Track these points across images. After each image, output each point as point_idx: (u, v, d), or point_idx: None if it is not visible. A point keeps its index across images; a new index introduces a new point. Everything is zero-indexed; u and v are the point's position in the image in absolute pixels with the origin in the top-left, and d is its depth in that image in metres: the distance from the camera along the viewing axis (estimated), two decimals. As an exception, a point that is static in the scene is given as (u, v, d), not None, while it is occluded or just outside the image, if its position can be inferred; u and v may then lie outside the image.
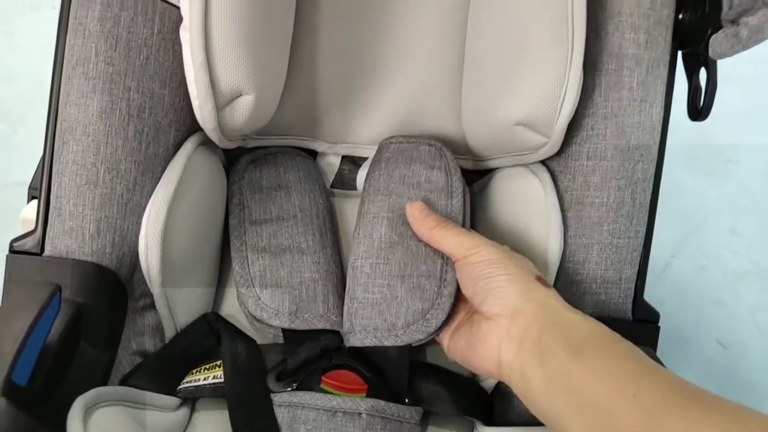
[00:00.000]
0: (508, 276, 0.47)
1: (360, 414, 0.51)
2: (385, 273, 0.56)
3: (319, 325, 0.55)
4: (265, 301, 0.56)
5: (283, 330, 0.56)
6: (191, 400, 0.57)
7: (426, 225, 0.54)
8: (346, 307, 0.56)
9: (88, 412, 0.43)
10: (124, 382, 0.53)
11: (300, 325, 0.55)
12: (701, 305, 0.98)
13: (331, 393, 0.53)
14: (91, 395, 0.44)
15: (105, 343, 0.51)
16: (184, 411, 0.55)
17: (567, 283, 0.56)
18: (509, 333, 0.45)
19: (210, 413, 0.56)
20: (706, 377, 0.93)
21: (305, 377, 0.54)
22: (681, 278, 0.98)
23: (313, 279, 0.57)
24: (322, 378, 0.54)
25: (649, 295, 0.58)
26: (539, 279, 0.48)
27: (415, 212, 0.55)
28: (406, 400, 0.55)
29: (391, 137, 0.67)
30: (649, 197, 0.55)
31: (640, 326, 0.56)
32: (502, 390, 0.61)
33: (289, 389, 0.53)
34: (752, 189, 1.08)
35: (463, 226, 0.58)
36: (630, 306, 0.56)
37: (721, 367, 0.94)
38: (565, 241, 0.56)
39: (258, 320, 0.56)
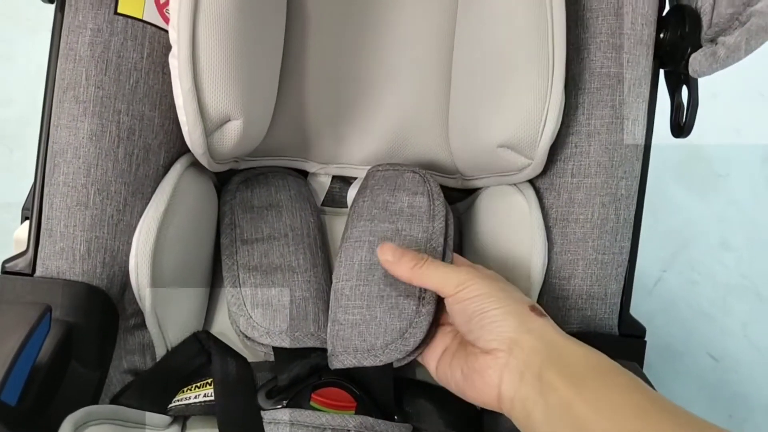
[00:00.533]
0: (503, 309, 0.47)
1: (349, 430, 0.52)
2: (364, 294, 0.56)
3: (309, 343, 0.56)
4: (257, 320, 0.56)
5: (274, 348, 0.56)
6: (182, 418, 0.57)
7: (404, 265, 0.52)
8: (329, 330, 0.56)
9: (77, 430, 0.44)
10: (114, 400, 0.53)
11: (291, 343, 0.55)
12: (692, 319, 0.98)
13: (321, 410, 0.53)
14: (80, 414, 0.45)
15: (96, 362, 0.52)
16: (174, 429, 0.56)
17: (553, 299, 0.56)
18: (509, 367, 0.45)
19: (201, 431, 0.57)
20: (699, 390, 0.93)
21: (295, 394, 0.55)
22: (672, 293, 0.98)
23: (304, 298, 0.58)
24: (312, 395, 0.54)
25: (640, 311, 0.58)
26: (533, 308, 0.47)
27: (387, 255, 0.53)
28: (396, 417, 0.55)
29: (378, 165, 0.67)
30: (633, 213, 0.56)
31: (626, 341, 0.56)
32: (491, 405, 0.62)
33: (279, 406, 0.54)
34: (741, 203, 1.09)
35: (444, 248, 0.57)
36: (616, 321, 0.56)
37: (713, 381, 0.95)
38: (550, 258, 0.57)
39: (249, 339, 0.57)
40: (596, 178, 0.55)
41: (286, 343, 0.55)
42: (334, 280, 0.58)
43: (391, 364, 0.55)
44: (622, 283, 0.56)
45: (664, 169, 1.09)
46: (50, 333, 0.47)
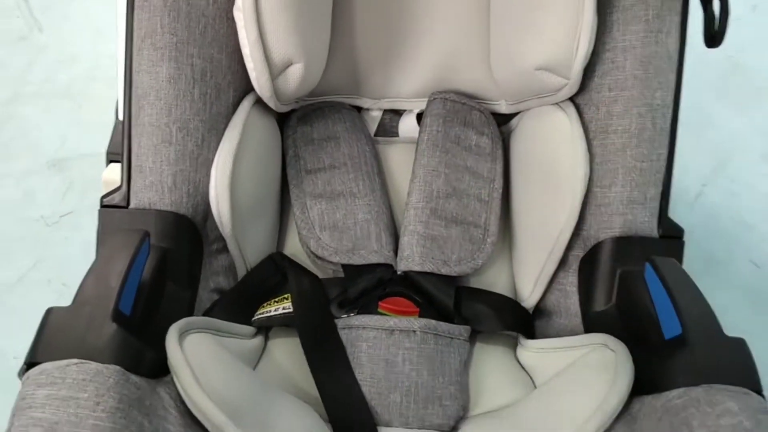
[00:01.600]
0: None
1: (414, 331, 0.58)
2: (442, 216, 0.64)
3: (374, 259, 0.62)
4: (325, 242, 0.63)
5: (343, 265, 0.63)
6: (265, 329, 0.64)
7: None
8: (406, 239, 0.63)
9: (181, 336, 0.50)
10: (206, 314, 0.60)
11: (357, 260, 0.62)
12: (734, 229, 1.01)
13: (388, 315, 0.60)
14: (182, 323, 0.51)
15: (187, 282, 0.58)
16: (259, 339, 0.62)
17: (596, 206, 0.61)
18: None
19: (282, 340, 0.64)
20: (743, 297, 0.97)
21: (364, 304, 0.61)
22: (713, 206, 1.01)
23: (366, 220, 0.64)
24: (379, 303, 0.61)
25: (682, 224, 0.61)
26: None
27: None
28: (455, 321, 0.61)
29: (444, 93, 0.73)
30: (669, 122, 0.59)
31: (666, 242, 0.60)
32: (542, 308, 0.67)
33: (350, 314, 0.60)
34: (782, 115, 1.10)
35: (501, 186, 0.68)
36: (656, 224, 0.60)
37: (756, 286, 0.98)
38: (592, 168, 0.61)
39: (320, 258, 0.63)
40: (632, 90, 0.58)
41: (353, 261, 0.62)
42: (412, 200, 0.65)
43: (455, 278, 0.63)
44: (661, 188, 0.60)
45: (703, 86, 1.09)
46: (149, 256, 0.53)
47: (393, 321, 0.58)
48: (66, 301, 0.47)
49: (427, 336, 0.58)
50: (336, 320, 0.60)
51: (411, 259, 0.62)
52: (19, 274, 0.98)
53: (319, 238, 0.63)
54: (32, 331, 0.46)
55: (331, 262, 0.63)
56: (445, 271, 0.62)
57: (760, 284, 0.98)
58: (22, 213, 1.04)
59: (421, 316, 0.60)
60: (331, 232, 0.63)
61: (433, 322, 0.59)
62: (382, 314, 0.60)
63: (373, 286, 0.62)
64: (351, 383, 0.57)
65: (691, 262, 0.59)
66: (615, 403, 0.49)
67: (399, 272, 0.63)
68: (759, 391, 0.47)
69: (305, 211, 0.65)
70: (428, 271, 0.62)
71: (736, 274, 0.98)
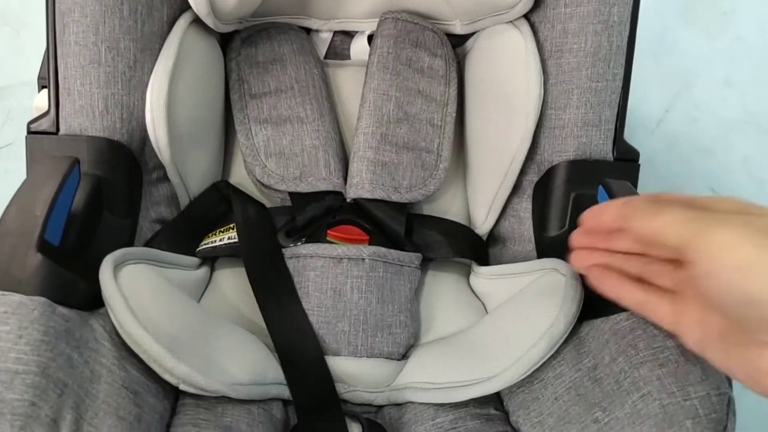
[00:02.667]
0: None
1: (363, 259, 0.56)
2: (393, 142, 0.62)
3: (322, 187, 0.60)
4: (271, 169, 0.60)
5: (290, 194, 0.60)
6: (210, 260, 0.62)
7: (643, 212, 0.38)
8: (355, 165, 0.61)
9: (117, 267, 0.48)
10: (147, 245, 0.58)
11: (305, 188, 0.60)
12: (694, 156, 1.00)
13: (337, 243, 0.58)
14: (118, 253, 0.49)
15: (125, 212, 0.56)
16: (204, 270, 0.61)
17: (550, 129, 0.59)
18: None
19: (229, 271, 0.62)
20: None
21: (312, 232, 0.59)
22: (674, 132, 1.00)
23: (314, 146, 0.61)
24: (328, 232, 0.59)
25: (642, 150, 0.60)
26: None
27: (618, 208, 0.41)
28: (406, 248, 0.60)
29: (395, 12, 0.69)
30: (626, 40, 0.57)
31: (621, 165, 0.59)
32: (496, 235, 0.66)
33: (298, 243, 0.58)
34: (747, 40, 1.08)
35: (455, 111, 0.66)
36: (611, 147, 0.59)
37: (713, 213, 0.98)
38: (546, 89, 0.59)
39: (266, 186, 0.61)
40: (588, 6, 0.56)
41: (300, 188, 0.60)
42: (361, 125, 0.63)
43: (405, 205, 0.61)
44: (616, 109, 0.58)
45: (667, 11, 1.07)
46: (80, 184, 0.51)
47: (341, 249, 0.57)
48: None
49: (376, 264, 0.56)
50: (283, 249, 0.58)
51: (361, 186, 0.60)
52: (-41, 209, 0.93)
53: (264, 165, 0.61)
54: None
55: (278, 191, 0.61)
56: (395, 198, 0.60)
57: (718, 210, 0.97)
58: (-42, 146, 0.99)
59: (371, 244, 0.59)
60: (277, 158, 0.61)
61: (383, 249, 0.57)
62: (331, 242, 0.58)
63: (322, 214, 0.60)
64: (297, 312, 0.55)
65: (651, 187, 0.58)
66: (563, 326, 0.48)
67: (348, 200, 0.61)
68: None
69: (250, 137, 0.62)
70: (378, 198, 0.60)
71: (695, 201, 0.97)
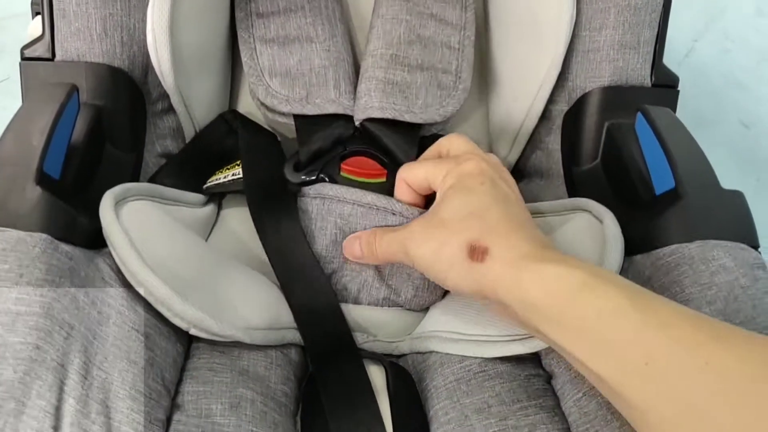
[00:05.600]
0: (450, 279, 0.42)
1: (395, 214, 0.51)
2: (404, 63, 0.56)
3: (331, 109, 0.55)
4: (275, 89, 0.55)
5: (295, 118, 0.56)
6: (218, 198, 0.59)
7: (370, 253, 0.49)
8: (363, 85, 0.56)
9: (119, 204, 0.45)
10: (151, 180, 0.54)
11: (311, 110, 0.55)
12: (724, 88, 0.95)
13: (354, 180, 0.54)
14: (120, 189, 0.46)
15: (129, 145, 0.52)
16: (211, 207, 0.57)
17: (583, 52, 0.54)
18: (500, 314, 0.43)
19: (237, 209, 0.59)
20: (728, 157, 0.93)
21: (324, 165, 0.55)
22: (703, 63, 0.95)
23: (324, 66, 0.56)
24: (342, 165, 0.54)
25: None
26: (472, 253, 0.40)
27: (349, 254, 0.51)
28: None
29: None
30: (668, -49, 0.53)
31: (659, 91, 0.55)
32: (522, 169, 0.63)
33: (311, 177, 0.54)
34: (782, -34, 1.02)
35: (473, 35, 0.60)
36: (649, 71, 0.54)
37: (743, 147, 0.94)
38: (580, 9, 0.54)
39: (269, 109, 0.56)
40: None
41: (306, 110, 0.55)
42: (370, 48, 0.58)
43: (419, 130, 0.56)
44: (656, 30, 0.54)
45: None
46: (80, 114, 0.47)
47: (371, 197, 0.51)
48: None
49: (406, 219, 0.51)
50: (305, 188, 0.53)
51: (369, 105, 0.54)
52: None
53: (268, 85, 0.55)
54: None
55: (282, 113, 0.56)
56: (408, 117, 0.54)
57: (749, 145, 0.94)
58: (-49, 82, 0.95)
59: (389, 178, 0.54)
60: (282, 78, 0.56)
61: (414, 209, 0.52)
62: (346, 178, 0.54)
63: (330, 144, 0.55)
64: (305, 254, 0.51)
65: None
66: None
67: (357, 123, 0.56)
68: (756, 246, 0.44)
69: (254, 57, 0.57)
70: (389, 117, 0.54)
71: (725, 135, 0.93)
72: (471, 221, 0.41)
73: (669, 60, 0.55)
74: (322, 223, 0.52)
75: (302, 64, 0.56)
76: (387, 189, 0.53)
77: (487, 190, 0.43)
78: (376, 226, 0.51)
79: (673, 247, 0.43)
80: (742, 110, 0.96)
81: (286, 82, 0.55)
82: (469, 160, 0.44)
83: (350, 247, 0.50)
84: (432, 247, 0.42)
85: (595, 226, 0.49)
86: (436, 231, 0.43)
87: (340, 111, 0.55)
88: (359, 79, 0.57)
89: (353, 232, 0.51)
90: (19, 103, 0.48)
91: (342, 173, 0.54)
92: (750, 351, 0.30)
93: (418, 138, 0.56)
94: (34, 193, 0.40)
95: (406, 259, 0.45)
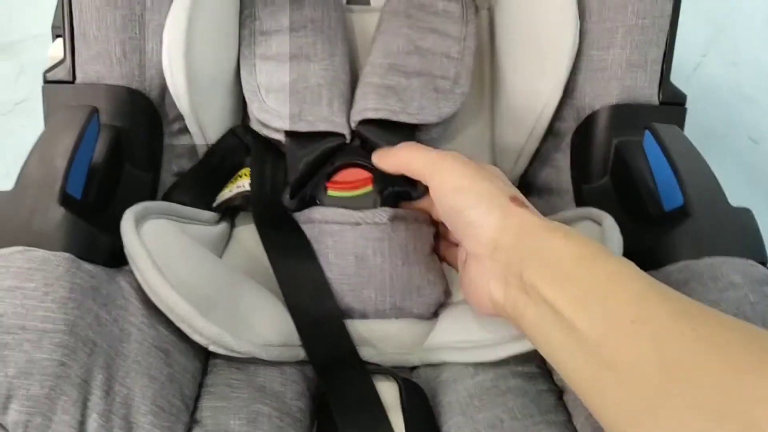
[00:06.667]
0: (483, 208, 0.42)
1: (384, 223, 0.53)
2: (402, 70, 0.57)
3: (322, 126, 0.55)
4: (270, 105, 0.56)
5: (287, 135, 0.56)
6: (230, 215, 0.60)
7: (389, 155, 0.50)
8: (359, 91, 0.57)
9: (138, 222, 0.46)
10: (166, 198, 0.56)
11: (303, 126, 0.55)
12: (733, 102, 0.96)
13: (340, 196, 0.54)
14: (139, 207, 0.47)
15: (147, 164, 0.54)
16: (224, 225, 0.58)
17: (591, 71, 0.55)
18: (494, 272, 0.41)
19: (249, 226, 0.59)
20: (737, 172, 0.93)
21: (313, 188, 0.55)
22: (712, 77, 0.95)
23: (319, 84, 0.57)
24: (327, 185, 0.55)
25: None
26: (514, 199, 0.42)
27: (375, 158, 0.52)
28: (417, 188, 0.55)
29: None
30: (675, -28, 0.54)
31: (667, 109, 0.55)
32: (532, 185, 0.64)
33: (298, 204, 0.55)
34: (790, -21, 1.03)
35: (475, 50, 0.60)
36: (656, 89, 0.55)
37: (753, 162, 0.94)
38: (588, 28, 0.55)
39: (263, 124, 0.57)
40: (636, -64, 0.52)
41: (298, 126, 0.55)
42: (369, 59, 0.59)
43: (415, 130, 0.57)
44: (664, 48, 0.55)
45: (705, -52, 1.02)
46: (100, 135, 0.49)
47: (358, 215, 0.53)
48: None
49: (397, 224, 0.53)
50: (296, 214, 0.54)
51: (364, 107, 0.55)
52: (-24, 166, 0.93)
53: (263, 101, 0.56)
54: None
55: (275, 129, 0.57)
56: (403, 118, 0.54)
57: (758, 159, 0.94)
58: (-27, 102, 0.97)
59: (375, 182, 0.55)
60: (276, 95, 0.56)
61: (401, 210, 0.53)
62: (333, 197, 0.54)
63: (316, 159, 0.55)
64: (311, 271, 0.52)
65: (687, 135, 0.54)
66: None
67: (353, 125, 0.56)
68: (764, 263, 0.45)
69: (253, 73, 0.58)
70: (384, 117, 0.54)
71: (733, 150, 0.94)
72: (513, 189, 0.45)
73: (677, 75, 0.56)
74: (318, 245, 0.53)
75: (298, 82, 0.57)
76: (373, 197, 0.54)
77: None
78: (367, 238, 0.52)
79: (683, 263, 0.44)
80: (750, 125, 0.96)
81: (280, 98, 0.56)
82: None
83: (379, 152, 0.52)
84: (475, 174, 0.44)
85: (596, 232, 0.49)
86: (481, 168, 0.45)
87: (331, 128, 0.55)
88: (356, 87, 0.58)
89: (347, 250, 0.52)
90: (37, 123, 0.49)
91: (329, 192, 0.55)
92: (736, 324, 0.31)
93: (413, 137, 0.57)
94: (57, 213, 0.41)
95: (432, 170, 0.45)
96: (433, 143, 0.58)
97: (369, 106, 0.55)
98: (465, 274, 0.45)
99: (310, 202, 0.55)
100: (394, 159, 0.49)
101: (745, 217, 0.46)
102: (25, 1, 1.01)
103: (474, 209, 0.42)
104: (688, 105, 0.56)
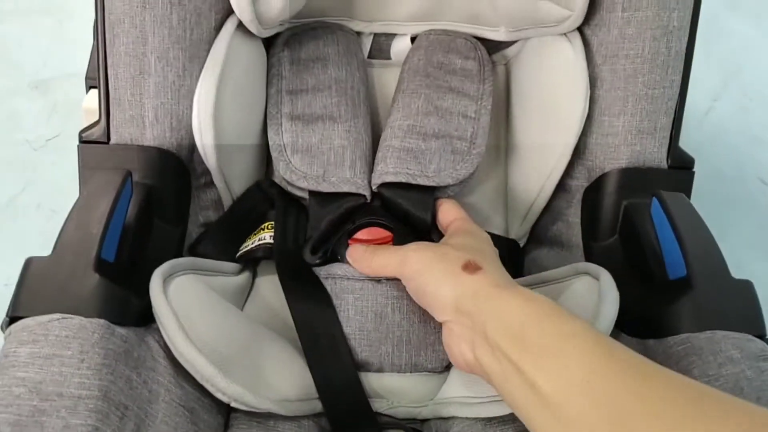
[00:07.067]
0: (436, 282, 0.47)
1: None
2: (421, 132, 0.60)
3: (344, 188, 0.58)
4: (295, 165, 0.58)
5: (310, 194, 0.59)
6: (252, 266, 0.62)
7: (365, 261, 0.54)
8: (380, 154, 0.59)
9: (166, 281, 0.48)
10: (191, 250, 0.58)
11: (326, 187, 0.57)
12: (743, 145, 0.97)
13: None
14: (166, 266, 0.49)
15: (175, 219, 0.56)
16: (246, 275, 0.61)
17: (603, 136, 0.57)
18: (462, 335, 0.45)
19: (269, 277, 0.62)
20: (748, 215, 0.94)
21: (334, 245, 0.58)
22: (722, 121, 0.97)
23: (342, 146, 0.59)
24: (349, 242, 0.57)
25: (690, 140, 0.59)
26: (466, 266, 0.46)
27: (354, 255, 0.56)
28: (433, 239, 0.58)
29: (430, 30, 0.69)
30: (685, 45, 0.55)
31: (675, 173, 0.57)
32: (543, 238, 0.66)
33: (318, 260, 0.57)
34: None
35: (491, 105, 0.63)
36: (665, 154, 0.57)
37: (763, 205, 0.95)
38: (600, 95, 0.57)
39: (289, 183, 0.59)
40: (647, 11, 0.54)
41: (321, 187, 0.57)
42: (390, 120, 0.61)
43: (433, 193, 0.59)
44: (672, 116, 0.57)
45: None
46: (133, 196, 0.51)
47: None
48: (55, 227, 0.46)
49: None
50: (317, 269, 0.57)
51: (384, 171, 0.57)
52: (8, 199, 0.96)
53: (289, 161, 0.59)
54: (23, 255, 0.45)
55: (300, 188, 0.59)
56: (422, 181, 0.57)
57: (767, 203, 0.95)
58: (7, 137, 1.01)
59: (395, 240, 0.57)
60: (302, 155, 0.59)
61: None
62: None
63: (339, 218, 0.58)
64: (330, 324, 0.54)
65: (699, 178, 0.57)
66: (603, 329, 0.47)
67: (374, 188, 0.58)
68: (763, 336, 0.46)
69: (279, 132, 0.60)
70: (403, 181, 0.57)
71: (744, 193, 0.95)
72: (470, 249, 0.49)
73: (689, 119, 0.58)
74: (338, 301, 0.55)
75: (323, 143, 0.59)
76: None
77: (485, 239, 0.53)
78: (387, 296, 0.55)
79: (684, 336, 0.46)
80: (761, 167, 0.97)
81: (305, 160, 0.58)
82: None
83: (354, 251, 0.56)
84: (430, 256, 0.49)
85: (592, 287, 0.51)
86: (438, 247, 0.50)
87: (353, 190, 0.58)
88: (380, 146, 0.60)
89: (367, 307, 0.55)
90: (67, 158, 0.52)
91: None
92: (684, 381, 0.35)
93: (432, 201, 0.59)
94: (92, 280, 0.44)
95: (400, 267, 0.50)
96: (469, 200, 0.63)
97: (389, 169, 0.57)
98: (443, 340, 0.49)
99: (332, 257, 0.58)
100: (378, 268, 0.53)
101: (745, 290, 0.48)
102: (60, 40, 1.05)
103: (431, 285, 0.47)
104: (700, 149, 0.58)
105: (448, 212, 0.57)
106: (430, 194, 0.59)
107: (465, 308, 0.44)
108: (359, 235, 0.58)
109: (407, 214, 0.58)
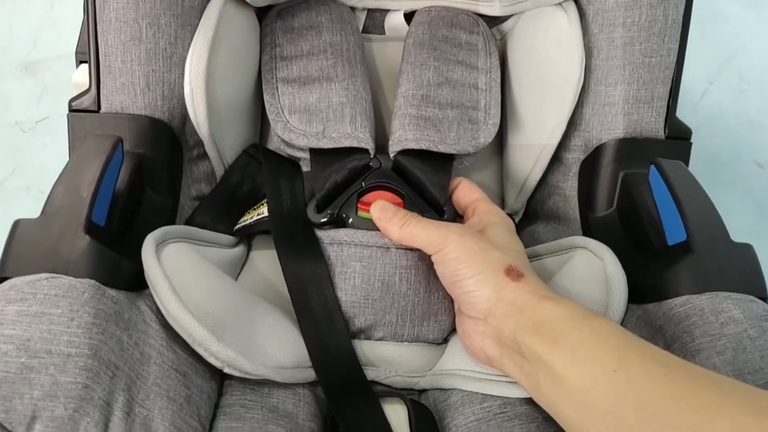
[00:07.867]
0: (477, 277, 0.46)
1: (413, 250, 0.54)
2: (435, 102, 0.59)
3: (346, 143, 0.56)
4: (293, 124, 0.57)
5: (311, 152, 0.58)
6: (247, 239, 0.61)
7: (395, 225, 0.52)
8: (396, 122, 0.58)
9: (158, 246, 0.48)
10: (189, 220, 0.58)
11: (326, 143, 0.56)
12: (739, 129, 0.97)
13: (369, 218, 0.55)
14: (159, 232, 0.49)
15: (167, 190, 0.55)
16: (241, 248, 0.60)
17: (599, 106, 0.57)
18: (487, 332, 0.46)
19: (265, 249, 0.61)
20: (744, 198, 0.94)
21: (342, 206, 0.56)
22: (718, 104, 0.97)
23: (341, 103, 0.58)
24: (358, 205, 0.56)
25: (685, 123, 0.58)
26: (509, 272, 0.46)
27: (377, 213, 0.54)
28: (445, 210, 0.57)
29: (430, 7, 0.68)
30: (682, 13, 0.55)
31: (672, 143, 0.57)
32: (540, 213, 0.65)
33: (325, 219, 0.56)
34: (796, 8, 1.04)
35: (499, 77, 0.63)
36: (662, 124, 0.57)
37: (759, 188, 0.95)
38: (596, 65, 0.57)
39: (288, 144, 0.59)
40: (644, -23, 0.54)
41: (322, 143, 0.56)
42: (402, 90, 0.60)
43: (452, 162, 0.59)
44: (669, 85, 0.56)
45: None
46: (123, 163, 0.50)
47: (388, 240, 0.54)
48: (45, 210, 0.45)
49: (423, 252, 0.55)
50: (321, 234, 0.55)
51: (404, 137, 0.57)
52: (-3, 182, 0.96)
53: (287, 121, 0.57)
54: (10, 240, 0.44)
55: (299, 148, 0.58)
56: (442, 148, 0.56)
57: (763, 185, 0.95)
58: (-5, 119, 1.00)
59: (406, 206, 0.56)
60: (300, 115, 0.58)
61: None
62: (362, 218, 0.56)
63: (344, 179, 0.57)
64: (323, 291, 0.53)
65: (694, 163, 0.57)
66: (617, 317, 0.48)
67: (391, 155, 0.58)
68: (765, 298, 0.46)
69: (275, 96, 0.59)
70: (424, 148, 0.56)
71: (739, 175, 0.95)
72: (510, 251, 0.49)
73: (684, 102, 0.57)
74: (343, 268, 0.54)
75: (321, 102, 0.58)
76: None
77: (512, 228, 0.53)
78: (395, 265, 0.54)
79: (684, 298, 0.46)
80: (757, 150, 0.97)
81: (304, 118, 0.57)
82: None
83: (383, 211, 0.53)
84: (473, 247, 0.48)
85: (595, 265, 0.51)
86: (480, 240, 0.49)
87: (355, 144, 0.57)
88: (392, 117, 0.59)
89: (374, 276, 0.54)
90: (58, 140, 0.51)
91: (359, 213, 0.56)
92: (703, 372, 0.37)
93: (450, 170, 0.59)
94: (83, 241, 0.43)
95: (437, 245, 0.49)
96: (465, 172, 0.62)
97: (409, 136, 0.56)
98: (459, 324, 0.50)
99: (338, 220, 0.56)
100: (407, 237, 0.51)
101: (746, 252, 0.48)
102: (49, 21, 1.04)
103: (471, 279, 0.47)
104: (696, 132, 0.57)
105: (468, 192, 0.57)
106: (449, 163, 0.58)
107: (498, 312, 0.45)
108: (367, 197, 0.56)
109: (422, 189, 0.57)
